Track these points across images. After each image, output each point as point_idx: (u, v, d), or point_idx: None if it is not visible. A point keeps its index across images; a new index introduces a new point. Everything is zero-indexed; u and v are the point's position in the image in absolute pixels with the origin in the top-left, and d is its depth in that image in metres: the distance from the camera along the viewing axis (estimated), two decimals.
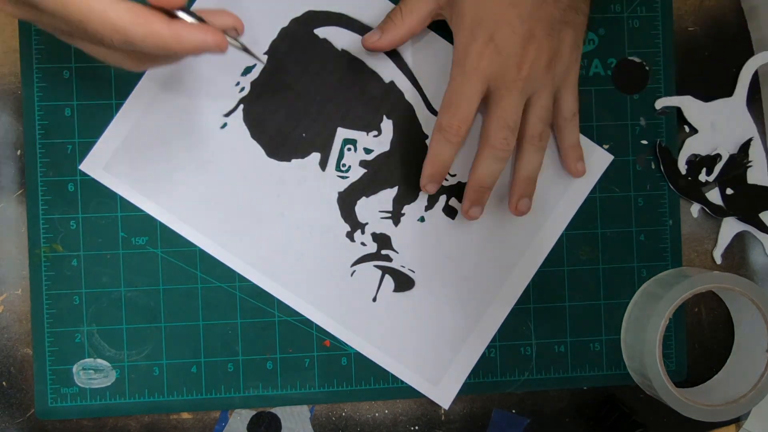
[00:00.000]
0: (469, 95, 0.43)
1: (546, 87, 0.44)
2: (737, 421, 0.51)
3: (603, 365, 0.51)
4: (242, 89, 0.48)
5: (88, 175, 0.48)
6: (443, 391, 0.50)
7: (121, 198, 0.48)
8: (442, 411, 0.50)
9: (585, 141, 0.50)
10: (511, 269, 0.50)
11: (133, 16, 0.33)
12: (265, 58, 0.48)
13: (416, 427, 0.50)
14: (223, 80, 0.48)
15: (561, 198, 0.50)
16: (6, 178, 0.48)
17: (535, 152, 0.46)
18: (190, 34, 0.34)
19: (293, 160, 0.49)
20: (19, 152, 0.48)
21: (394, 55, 0.49)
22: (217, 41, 0.35)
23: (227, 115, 0.48)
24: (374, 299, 0.49)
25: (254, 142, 0.48)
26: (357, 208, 0.49)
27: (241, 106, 0.48)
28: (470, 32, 0.43)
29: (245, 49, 0.39)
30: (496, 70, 0.42)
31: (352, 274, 0.49)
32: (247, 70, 0.48)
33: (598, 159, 0.50)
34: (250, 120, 0.48)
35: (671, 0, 0.51)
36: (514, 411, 0.51)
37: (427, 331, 0.49)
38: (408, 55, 0.49)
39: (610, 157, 0.51)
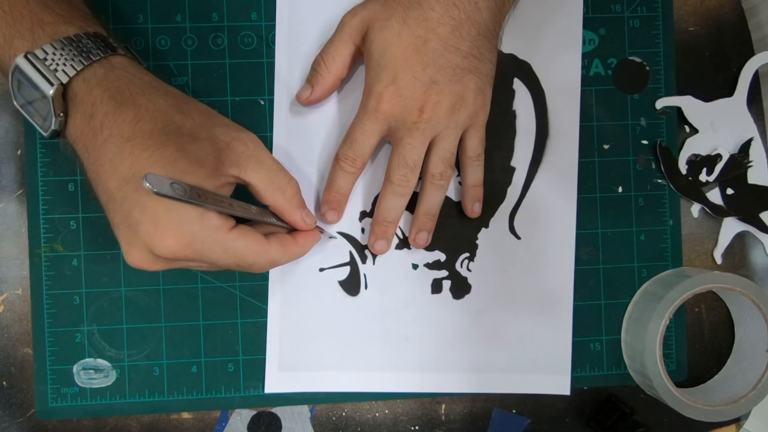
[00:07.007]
0: (367, 132, 0.45)
1: (449, 130, 0.45)
2: (737, 421, 0.51)
3: (603, 365, 0.51)
4: None
5: None
6: (561, 379, 0.50)
7: None
8: (443, 411, 0.50)
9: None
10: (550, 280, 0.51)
11: (284, 254, 0.41)
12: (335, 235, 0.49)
13: (416, 427, 0.50)
14: None
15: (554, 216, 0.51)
16: (6, 177, 0.48)
17: (435, 190, 0.46)
18: (309, 243, 0.43)
19: None
20: (19, 152, 0.48)
21: None
22: (318, 238, 0.44)
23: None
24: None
25: None
26: None
27: None
28: (375, 74, 0.44)
29: (321, 231, 0.48)
30: (398, 112, 0.44)
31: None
32: None
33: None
34: None
35: (671, 0, 0.51)
36: (514, 411, 0.51)
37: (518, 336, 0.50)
38: None
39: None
